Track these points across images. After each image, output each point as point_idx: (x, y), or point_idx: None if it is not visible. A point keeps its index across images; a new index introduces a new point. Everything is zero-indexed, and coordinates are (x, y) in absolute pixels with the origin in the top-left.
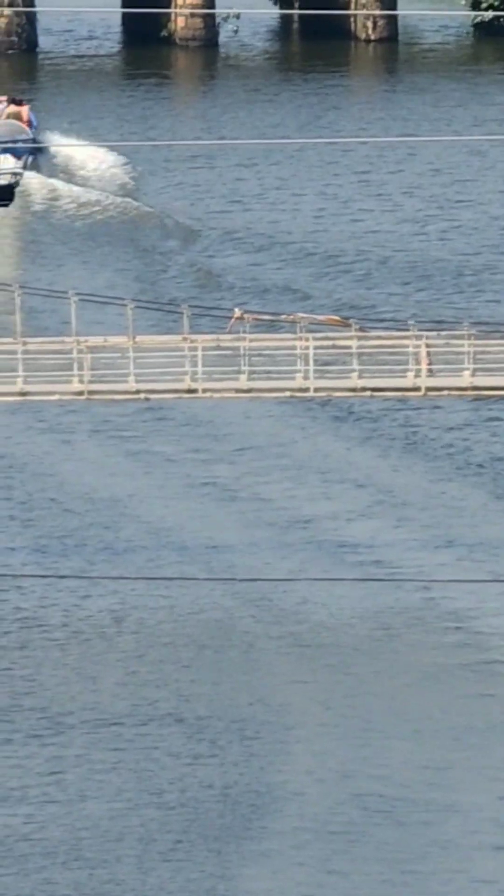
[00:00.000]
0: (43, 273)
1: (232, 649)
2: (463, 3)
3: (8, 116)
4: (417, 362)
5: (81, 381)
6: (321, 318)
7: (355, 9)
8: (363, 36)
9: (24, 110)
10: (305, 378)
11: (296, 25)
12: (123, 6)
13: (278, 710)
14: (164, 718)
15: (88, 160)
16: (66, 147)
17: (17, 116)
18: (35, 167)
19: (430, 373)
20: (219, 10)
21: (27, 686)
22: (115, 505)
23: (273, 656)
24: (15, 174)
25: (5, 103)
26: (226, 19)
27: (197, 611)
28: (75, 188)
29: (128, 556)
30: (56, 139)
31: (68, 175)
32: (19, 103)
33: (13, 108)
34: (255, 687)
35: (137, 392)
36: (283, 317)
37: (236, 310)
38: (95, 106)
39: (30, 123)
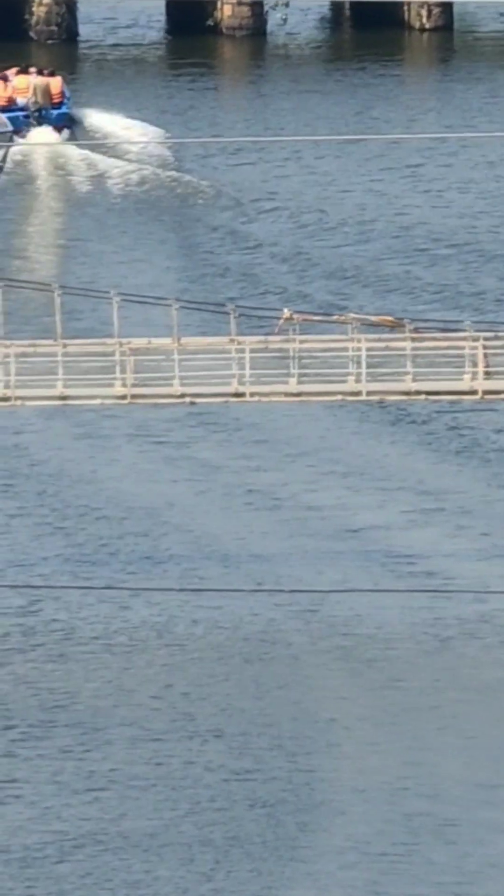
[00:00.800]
0: (85, 258)
1: (277, 663)
2: None
3: (37, 88)
4: (474, 364)
5: (124, 385)
6: (374, 318)
7: None
8: (417, 24)
9: (56, 82)
10: (357, 381)
11: (347, 14)
12: None
13: (325, 725)
14: (206, 734)
15: (127, 134)
16: (103, 121)
17: (47, 89)
18: (72, 138)
19: (488, 375)
20: None
21: (64, 699)
22: (157, 513)
23: (320, 670)
24: None
25: (34, 75)
26: (274, 7)
27: (240, 623)
28: (116, 161)
29: (169, 566)
30: (94, 115)
31: (107, 148)
32: (51, 74)
33: (42, 79)
34: (300, 702)
35: (182, 396)
36: (335, 317)
37: (285, 310)
38: (137, 97)
39: (62, 95)
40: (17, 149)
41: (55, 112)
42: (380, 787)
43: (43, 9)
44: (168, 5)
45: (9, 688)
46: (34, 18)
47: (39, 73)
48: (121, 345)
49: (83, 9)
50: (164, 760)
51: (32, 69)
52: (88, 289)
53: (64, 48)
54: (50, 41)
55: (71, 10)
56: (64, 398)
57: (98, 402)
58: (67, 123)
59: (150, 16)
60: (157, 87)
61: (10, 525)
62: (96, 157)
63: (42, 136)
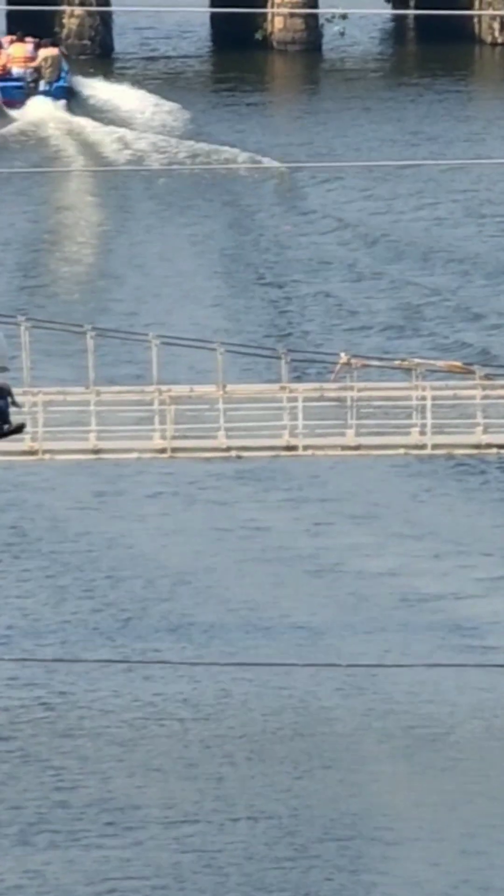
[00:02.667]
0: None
1: (326, 744)
2: None
3: (47, 59)
4: None
5: (164, 437)
6: (440, 364)
7: (479, 8)
8: (488, 39)
9: (56, 53)
10: (422, 433)
11: (411, 27)
12: (212, 5)
13: (379, 812)
14: (248, 819)
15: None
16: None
17: (55, 61)
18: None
19: None
20: (322, 10)
21: (89, 781)
22: (195, 580)
23: (375, 752)
24: None
25: (32, 44)
26: (330, 20)
27: (287, 700)
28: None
29: (207, 638)
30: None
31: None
32: (52, 45)
33: (51, 50)
34: (352, 786)
35: (228, 449)
36: (397, 363)
37: (342, 354)
38: (177, 116)
39: (61, 67)
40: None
41: (54, 84)
42: (439, 879)
43: (75, 21)
44: (212, 17)
45: (21, 768)
46: (65, 31)
47: (38, 44)
48: (160, 392)
49: (118, 21)
50: (201, 845)
51: (29, 38)
52: (125, 331)
53: (98, 63)
54: (83, 56)
55: (105, 22)
56: (97, 452)
57: (135, 456)
58: (66, 95)
59: (192, 29)
60: (198, 105)
61: (29, 590)
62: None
63: (40, 108)
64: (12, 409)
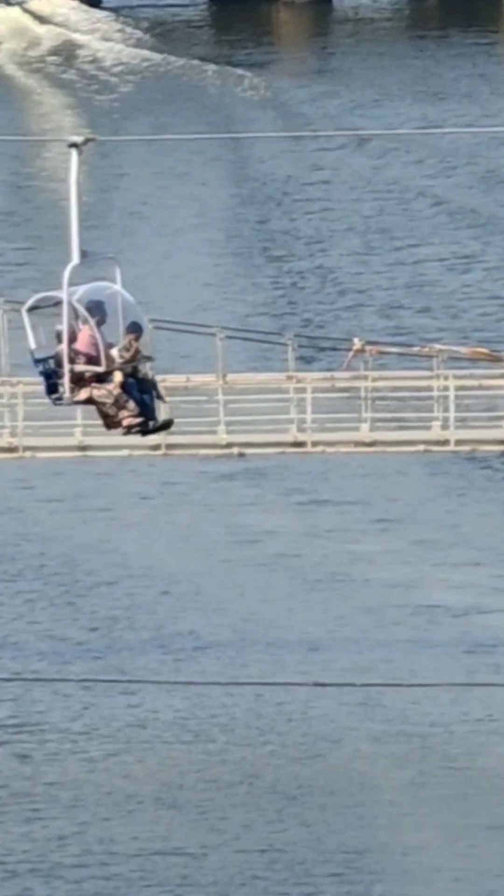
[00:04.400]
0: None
1: (338, 770)
2: None
3: None
4: None
5: None
6: (464, 350)
7: None
8: None
9: None
10: (444, 427)
11: None
12: None
13: (394, 846)
14: (249, 848)
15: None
16: None
17: None
18: None
19: None
20: None
21: (63, 811)
22: (191, 590)
23: (391, 780)
24: None
25: None
26: None
27: (289, 722)
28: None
29: (204, 653)
30: None
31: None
32: None
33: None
34: (366, 818)
35: (229, 445)
36: (416, 349)
37: (356, 340)
38: (175, 73)
39: None
40: None
41: None
42: None
43: None
44: None
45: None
46: None
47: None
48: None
49: None
50: (201, 877)
51: None
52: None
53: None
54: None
55: None
56: (84, 449)
57: (126, 453)
58: None
59: None
60: (200, 59)
61: (4, 602)
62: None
63: None
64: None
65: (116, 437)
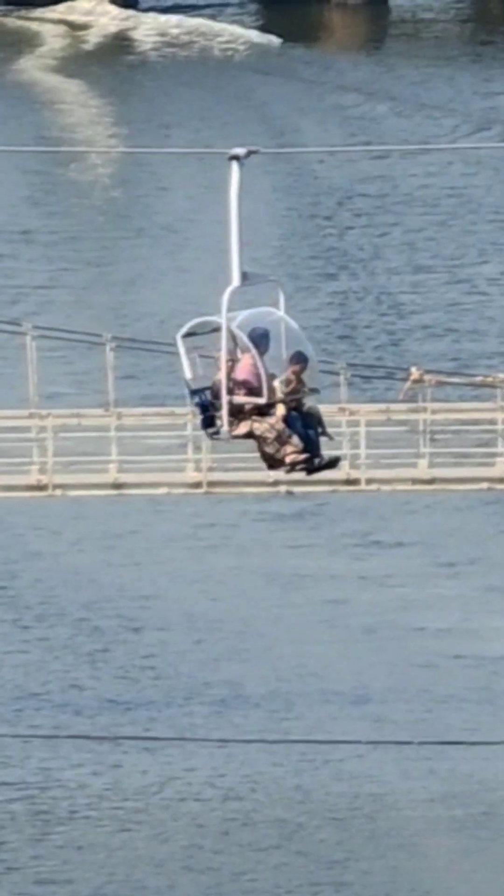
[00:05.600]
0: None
1: (388, 834)
2: None
3: None
4: None
5: (199, 469)
6: None
7: None
8: None
9: None
10: None
11: None
12: None
13: None
14: None
15: None
16: None
17: None
18: None
19: None
20: None
21: (92, 873)
22: (234, 638)
23: (446, 846)
24: None
25: None
26: None
27: (342, 783)
28: None
29: (248, 708)
30: None
31: None
32: None
33: None
34: (418, 886)
35: (276, 483)
36: (479, 378)
37: (413, 369)
38: (217, 79)
39: None
40: None
41: None
42: None
43: None
44: None
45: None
46: None
47: None
48: (193, 415)
49: None
50: None
51: None
52: (150, 340)
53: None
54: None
55: None
56: (119, 486)
57: (164, 491)
58: None
59: None
60: (246, 66)
61: (29, 649)
62: None
63: None
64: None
65: (154, 475)
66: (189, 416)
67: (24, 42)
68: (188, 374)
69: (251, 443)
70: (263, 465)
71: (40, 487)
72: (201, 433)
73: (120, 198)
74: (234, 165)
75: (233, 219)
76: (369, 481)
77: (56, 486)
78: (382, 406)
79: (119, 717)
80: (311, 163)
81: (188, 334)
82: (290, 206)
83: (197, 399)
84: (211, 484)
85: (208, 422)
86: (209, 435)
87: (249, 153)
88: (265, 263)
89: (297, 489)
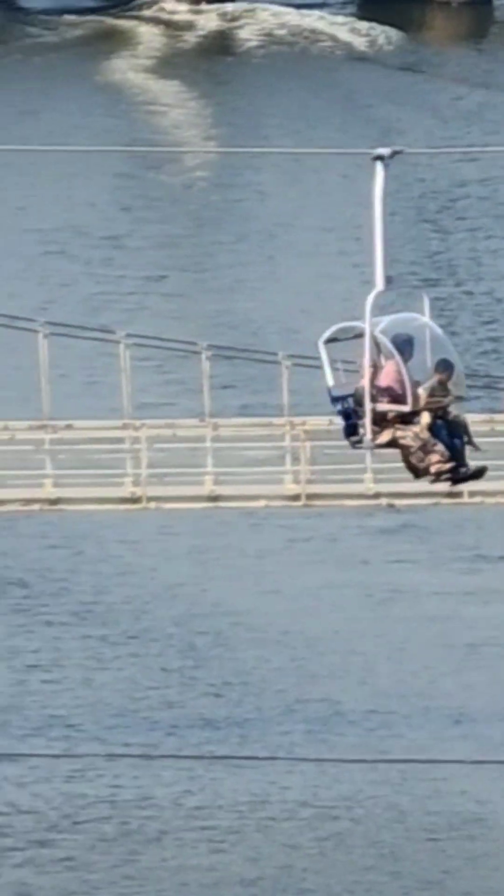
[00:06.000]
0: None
1: (493, 855)
2: None
3: None
4: None
5: (297, 481)
6: None
7: None
8: None
9: None
10: None
11: None
12: None
13: None
14: None
15: None
16: None
17: None
18: None
19: None
20: None
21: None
22: (330, 655)
23: None
24: None
25: None
26: None
27: (444, 802)
28: None
29: (347, 726)
30: None
31: None
32: None
33: None
34: None
35: (377, 496)
36: None
37: None
38: (311, 83)
39: None
40: None
41: None
42: None
43: None
44: None
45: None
46: None
47: None
48: (292, 425)
49: None
50: None
51: None
52: (248, 349)
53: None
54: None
55: None
56: (215, 499)
57: (262, 504)
58: None
59: None
60: (344, 66)
61: (115, 665)
62: None
63: None
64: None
65: (251, 487)
66: (286, 426)
67: (120, 41)
68: (330, 381)
69: (353, 455)
70: (364, 476)
71: (134, 500)
72: (300, 444)
73: (217, 201)
74: (378, 166)
75: (377, 221)
76: (472, 494)
77: (150, 499)
78: (487, 416)
79: (212, 736)
80: (416, 164)
81: (330, 340)
82: (397, 208)
83: (339, 406)
84: (310, 496)
85: (351, 430)
86: (352, 444)
87: (394, 153)
88: (368, 270)
89: (398, 501)
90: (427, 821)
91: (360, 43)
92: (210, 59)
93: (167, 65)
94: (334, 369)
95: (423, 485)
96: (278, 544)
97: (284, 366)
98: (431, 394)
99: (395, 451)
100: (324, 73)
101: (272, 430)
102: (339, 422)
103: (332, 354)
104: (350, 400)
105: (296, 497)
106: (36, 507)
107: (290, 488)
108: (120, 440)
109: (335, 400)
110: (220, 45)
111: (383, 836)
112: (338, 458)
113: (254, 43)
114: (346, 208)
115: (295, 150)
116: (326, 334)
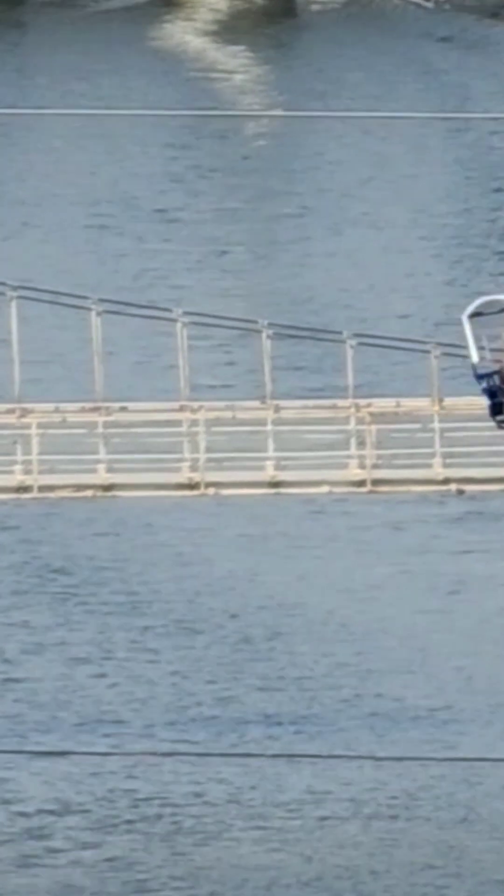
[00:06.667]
0: None
1: None
2: None
3: None
4: None
5: (363, 466)
6: None
7: None
8: None
9: None
10: None
11: None
12: None
13: None
14: None
15: None
16: None
17: None
18: None
19: None
20: None
21: None
22: (400, 649)
23: None
24: None
25: None
26: None
27: None
28: None
29: (408, 724)
30: None
31: None
32: None
33: None
34: None
35: (446, 481)
36: None
37: None
38: (383, 41)
39: None
40: None
41: None
42: None
43: None
44: None
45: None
46: None
47: None
48: (357, 408)
49: None
50: None
51: None
52: (309, 327)
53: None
54: None
55: None
56: (277, 485)
57: (326, 490)
58: None
59: None
60: (409, 30)
61: (178, 662)
62: None
63: None
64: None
65: (314, 472)
66: (351, 409)
67: (181, 5)
68: (475, 357)
69: (421, 439)
70: (433, 460)
71: (191, 486)
72: (365, 427)
73: (280, 172)
74: None
75: None
76: None
77: (208, 485)
78: None
79: (269, 732)
80: (486, 133)
81: (475, 314)
82: (466, 178)
83: (484, 384)
84: (376, 482)
85: (497, 409)
86: (498, 424)
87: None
88: (440, 244)
89: (468, 487)
90: (491, 819)
91: (422, 7)
92: (273, 23)
93: (229, 29)
94: (479, 346)
95: (496, 470)
96: (342, 532)
97: (349, 345)
98: None
99: (470, 435)
100: (393, 37)
101: (336, 412)
102: (485, 401)
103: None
104: (496, 377)
105: (361, 483)
106: (89, 492)
107: (356, 473)
108: (177, 423)
109: (480, 377)
110: (284, 7)
111: (445, 834)
112: (404, 441)
113: (317, 7)
114: (417, 178)
115: (362, 113)
116: (471, 308)
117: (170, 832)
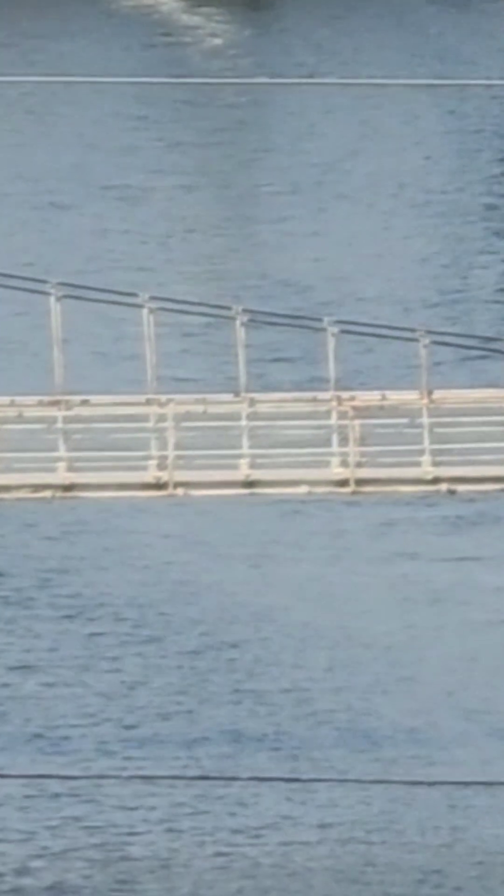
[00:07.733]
0: None
1: None
2: None
3: None
4: None
5: (345, 464)
6: None
7: None
8: None
9: None
10: None
11: None
12: None
13: None
14: None
15: None
16: None
17: None
18: None
19: None
20: None
21: None
22: (394, 664)
23: None
24: None
25: None
26: None
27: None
28: None
29: (416, 747)
30: None
31: None
32: None
33: None
34: None
35: (436, 480)
36: None
37: None
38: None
39: None
40: None
41: None
42: None
43: None
44: None
45: None
46: None
47: None
48: (339, 401)
49: None
50: None
51: None
52: (287, 315)
53: None
54: None
55: None
56: (251, 485)
57: (305, 490)
58: None
59: None
60: None
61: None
62: None
63: None
64: None
65: (292, 471)
66: (333, 402)
67: None
68: None
69: (408, 435)
70: (421, 458)
71: (159, 486)
72: (348, 422)
73: (257, 143)
74: None
75: None
76: None
77: (177, 485)
78: None
79: (261, 756)
80: (486, 100)
81: None
82: (461, 148)
83: None
84: (360, 482)
85: None
86: None
87: None
88: (434, 224)
89: (460, 487)
90: (480, 846)
91: None
92: None
93: None
94: None
95: (489, 468)
96: (322, 536)
97: (331, 333)
98: None
99: (461, 431)
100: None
101: (316, 406)
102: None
103: None
104: None
105: (343, 482)
106: (48, 493)
107: (337, 472)
108: (143, 418)
109: None
110: None
111: (431, 863)
112: (391, 437)
113: None
114: (407, 150)
115: (346, 80)
116: None
117: (181, 859)
